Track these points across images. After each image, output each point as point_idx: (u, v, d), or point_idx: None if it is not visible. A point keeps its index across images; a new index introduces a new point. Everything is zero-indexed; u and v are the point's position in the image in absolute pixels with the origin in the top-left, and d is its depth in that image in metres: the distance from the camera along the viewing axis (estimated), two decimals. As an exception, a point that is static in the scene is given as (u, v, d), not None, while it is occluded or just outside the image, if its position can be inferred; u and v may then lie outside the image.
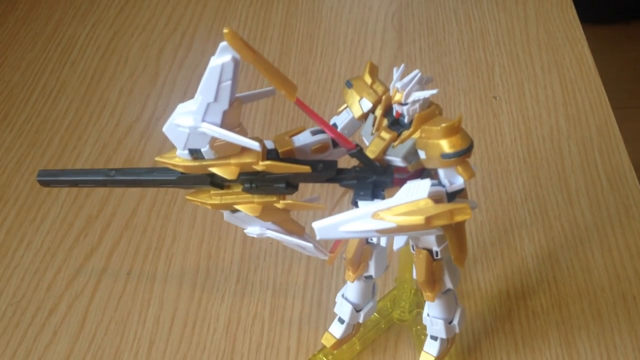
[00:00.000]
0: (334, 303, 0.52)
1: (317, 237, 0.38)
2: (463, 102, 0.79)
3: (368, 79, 0.42)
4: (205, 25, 0.92)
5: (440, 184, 0.39)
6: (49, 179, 0.46)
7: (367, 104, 0.41)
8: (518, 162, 0.71)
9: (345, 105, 0.43)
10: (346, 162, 0.43)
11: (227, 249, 0.64)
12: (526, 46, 0.85)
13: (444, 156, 0.37)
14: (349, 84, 0.42)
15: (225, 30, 0.32)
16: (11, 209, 0.69)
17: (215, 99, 0.35)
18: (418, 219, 0.36)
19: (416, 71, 0.39)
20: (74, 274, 0.63)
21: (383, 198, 0.40)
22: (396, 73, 0.39)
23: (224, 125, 0.37)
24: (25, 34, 0.91)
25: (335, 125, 0.43)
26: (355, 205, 0.41)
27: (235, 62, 0.34)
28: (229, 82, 0.35)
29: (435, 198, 0.37)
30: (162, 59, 0.87)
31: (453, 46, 0.86)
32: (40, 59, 0.87)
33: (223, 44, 0.34)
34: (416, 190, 0.37)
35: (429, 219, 0.36)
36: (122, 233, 0.66)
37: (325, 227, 0.38)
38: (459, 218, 0.37)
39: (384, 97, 0.40)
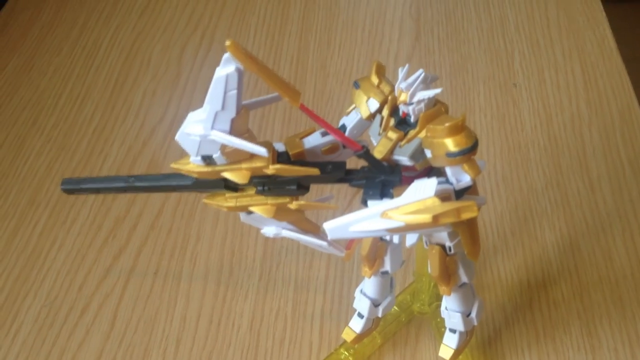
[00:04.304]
0: (354, 297, 0.53)
1: (329, 237, 0.39)
2: (482, 90, 0.78)
3: (375, 79, 0.42)
4: (225, 23, 0.93)
5: (447, 181, 0.39)
6: (73, 187, 0.48)
7: (374, 104, 0.42)
8: (538, 150, 0.71)
9: (353, 106, 0.43)
10: (358, 162, 0.43)
11: (250, 246, 0.66)
12: (546, 31, 0.84)
13: (449, 155, 0.37)
14: (356, 85, 0.43)
15: (227, 43, 0.33)
16: (43, 213, 0.71)
17: (223, 107, 0.37)
18: (425, 218, 0.37)
19: (420, 71, 0.39)
20: (103, 274, 0.65)
21: (392, 197, 0.41)
22: (401, 73, 0.39)
23: (232, 132, 0.38)
24: (51, 40, 0.93)
25: (344, 125, 0.44)
26: (365, 204, 0.41)
27: (239, 72, 0.35)
28: (235, 92, 0.36)
29: (443, 196, 0.38)
30: (184, 59, 0.88)
31: (472, 34, 0.86)
32: (67, 63, 0.89)
33: (226, 55, 0.35)
34: (423, 189, 0.38)
35: (436, 217, 0.37)
36: (149, 233, 0.68)
37: (336, 227, 0.39)
38: (465, 216, 0.37)
39: (390, 97, 0.41)
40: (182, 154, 0.43)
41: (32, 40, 0.94)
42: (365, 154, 0.40)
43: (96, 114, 0.82)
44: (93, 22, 0.96)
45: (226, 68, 0.35)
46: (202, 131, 0.38)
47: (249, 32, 0.91)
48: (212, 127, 0.38)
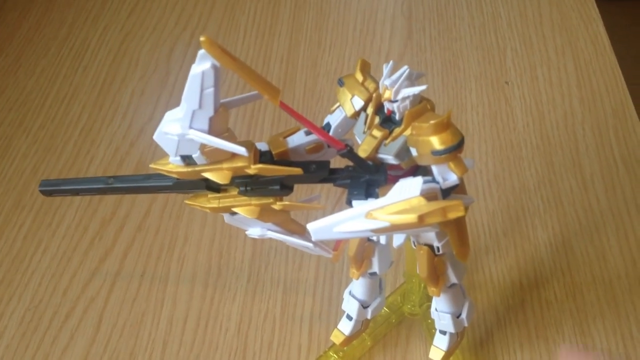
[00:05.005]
0: (343, 299, 0.52)
1: (313, 239, 0.38)
2: (474, 88, 0.77)
3: (359, 77, 0.41)
4: (215, 22, 0.92)
5: (433, 180, 0.38)
6: (51, 189, 0.46)
7: (358, 102, 0.41)
8: (531, 148, 0.70)
9: (338, 104, 0.42)
10: (344, 161, 0.42)
11: (238, 247, 0.65)
12: (539, 28, 0.83)
13: (435, 153, 0.36)
14: (340, 82, 0.42)
15: (202, 39, 0.32)
16: (28, 215, 0.70)
17: (200, 105, 0.35)
18: (411, 218, 0.36)
19: (405, 67, 0.38)
20: (89, 277, 0.64)
21: (377, 196, 0.40)
22: (385, 70, 0.38)
23: (211, 131, 0.37)
24: (39, 40, 0.92)
25: (328, 124, 0.43)
26: (350, 204, 0.40)
27: (215, 69, 0.34)
28: (212, 89, 0.35)
29: (429, 195, 0.37)
30: (173, 58, 0.87)
31: (464, 31, 0.85)
32: (54, 64, 0.88)
33: (201, 51, 0.34)
34: (409, 188, 0.37)
35: (421, 217, 0.36)
36: (135, 235, 0.67)
37: (320, 228, 0.38)
38: (452, 215, 0.36)
39: (374, 95, 0.40)
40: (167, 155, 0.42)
41: (20, 41, 0.92)
42: (349, 152, 0.39)
43: (83, 114, 0.81)
44: (81, 22, 0.95)
45: (202, 65, 0.34)
46: (179, 130, 0.37)
47: (239, 31, 0.90)
48: (190, 126, 0.37)
